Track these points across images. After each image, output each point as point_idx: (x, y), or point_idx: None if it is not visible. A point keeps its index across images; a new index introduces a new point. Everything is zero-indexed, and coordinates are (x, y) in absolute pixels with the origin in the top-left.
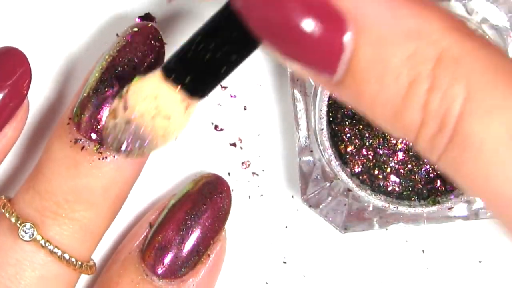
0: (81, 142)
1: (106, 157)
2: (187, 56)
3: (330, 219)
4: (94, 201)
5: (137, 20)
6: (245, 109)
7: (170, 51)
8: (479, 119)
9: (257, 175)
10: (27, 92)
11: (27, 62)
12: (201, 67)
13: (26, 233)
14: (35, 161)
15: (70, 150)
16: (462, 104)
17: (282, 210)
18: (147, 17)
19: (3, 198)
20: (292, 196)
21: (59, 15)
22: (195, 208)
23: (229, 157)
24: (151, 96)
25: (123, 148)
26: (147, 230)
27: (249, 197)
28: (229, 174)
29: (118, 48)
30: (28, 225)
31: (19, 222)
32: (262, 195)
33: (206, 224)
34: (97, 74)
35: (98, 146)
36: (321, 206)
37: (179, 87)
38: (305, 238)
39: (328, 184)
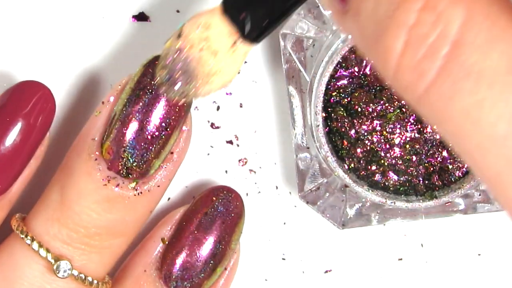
0: (115, 179)
1: (141, 192)
2: None
3: (328, 215)
4: (126, 232)
5: (132, 20)
6: (241, 106)
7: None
8: (479, 47)
9: (254, 172)
10: (50, 126)
11: (52, 100)
12: (260, 5)
13: (64, 272)
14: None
15: (103, 188)
16: (459, 28)
17: (280, 207)
18: (141, 16)
19: (28, 233)
20: (290, 193)
21: (53, 15)
22: (205, 217)
23: (226, 155)
24: (204, 26)
25: (170, 78)
26: (160, 246)
27: (247, 194)
28: (226, 171)
29: (138, 75)
30: (63, 263)
31: (51, 257)
32: (259, 192)
33: (219, 230)
34: (121, 107)
35: (134, 183)
36: (318, 203)
37: (233, 23)
38: (303, 235)
39: (325, 181)
